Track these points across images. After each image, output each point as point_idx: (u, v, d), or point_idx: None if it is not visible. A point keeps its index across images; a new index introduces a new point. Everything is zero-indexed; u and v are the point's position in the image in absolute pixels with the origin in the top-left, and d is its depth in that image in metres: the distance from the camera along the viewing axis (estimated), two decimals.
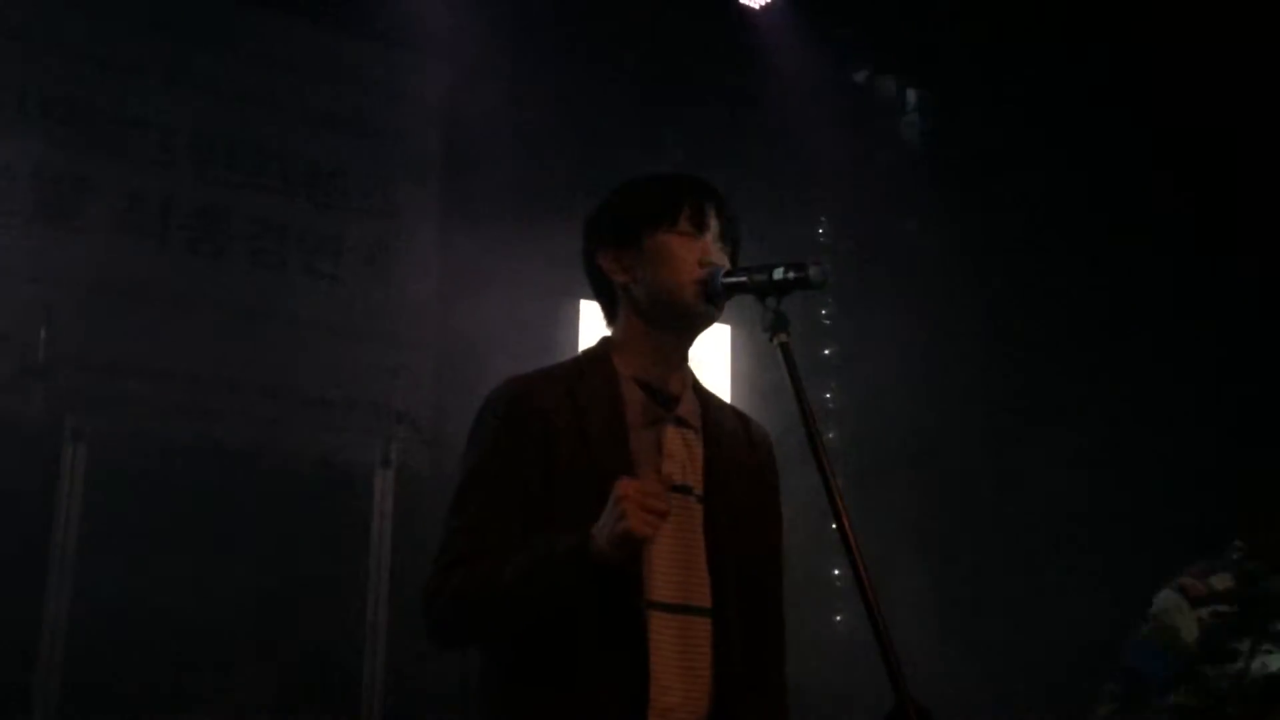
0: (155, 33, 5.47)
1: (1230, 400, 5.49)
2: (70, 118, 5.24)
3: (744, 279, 1.99)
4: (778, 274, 1.94)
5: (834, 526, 1.79)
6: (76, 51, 5.28)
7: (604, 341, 2.18)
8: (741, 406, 2.29)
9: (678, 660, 1.96)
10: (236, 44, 5.61)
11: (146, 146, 5.37)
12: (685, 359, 2.15)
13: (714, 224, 2.10)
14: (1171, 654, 3.21)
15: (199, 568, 4.95)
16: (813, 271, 1.93)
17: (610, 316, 2.19)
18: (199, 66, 5.53)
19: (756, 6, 6.61)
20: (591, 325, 2.30)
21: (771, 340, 1.91)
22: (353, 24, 5.92)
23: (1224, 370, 5.52)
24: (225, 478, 5.21)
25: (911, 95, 7.39)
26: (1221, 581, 3.23)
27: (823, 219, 7.34)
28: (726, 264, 2.09)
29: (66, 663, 4.57)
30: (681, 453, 2.07)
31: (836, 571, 6.47)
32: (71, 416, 4.79)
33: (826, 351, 7.18)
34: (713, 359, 6.09)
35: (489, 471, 2.02)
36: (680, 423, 2.09)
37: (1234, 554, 3.30)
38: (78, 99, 5.25)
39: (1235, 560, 3.28)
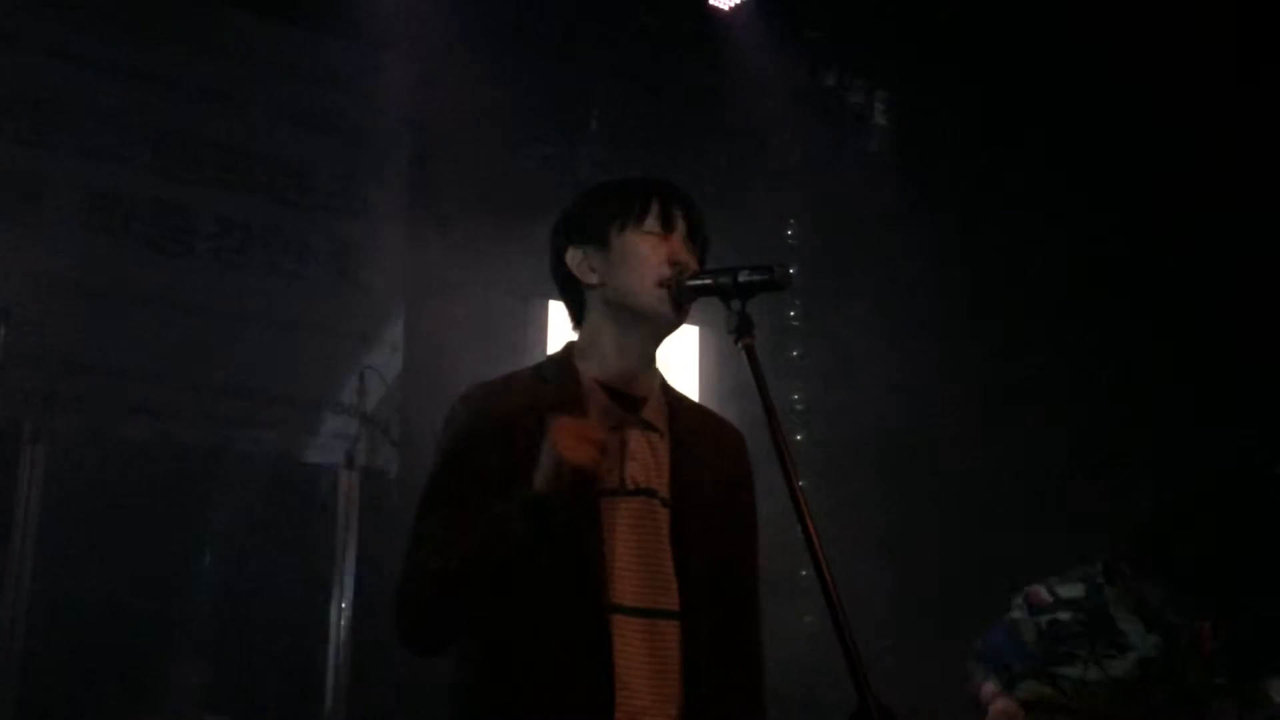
0: (117, 29, 5.40)
1: (1207, 397, 5.53)
2: (29, 114, 5.17)
3: (709, 281, 2.00)
4: (743, 276, 1.95)
5: (799, 527, 1.79)
6: (36, 47, 5.21)
7: (567, 346, 2.18)
8: (709, 407, 2.29)
9: (645, 663, 1.96)
10: (200, 40, 5.55)
11: (107, 143, 5.30)
12: (652, 361, 2.15)
13: (681, 224, 2.11)
14: (1016, 648, 3.54)
15: (160, 568, 4.91)
16: (777, 273, 1.95)
17: (577, 320, 2.19)
18: (161, 63, 5.47)
19: (726, 8, 6.61)
20: (560, 326, 2.30)
21: (737, 343, 1.91)
22: (318, 21, 5.88)
23: (1198, 366, 5.56)
24: (187, 478, 5.17)
25: (880, 98, 7.41)
26: (1071, 591, 3.44)
27: (791, 221, 7.35)
28: (695, 264, 2.09)
29: (24, 664, 4.52)
30: (646, 455, 2.07)
31: (804, 572, 6.47)
32: (30, 417, 4.74)
33: (794, 353, 7.19)
34: (681, 360, 6.09)
35: (453, 479, 2.02)
36: (645, 426, 2.09)
37: (1096, 566, 3.60)
38: (37, 95, 5.18)
39: (1093, 573, 3.57)
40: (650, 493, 2.04)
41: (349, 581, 5.05)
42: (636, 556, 2.00)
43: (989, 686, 3.61)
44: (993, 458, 6.37)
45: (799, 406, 7.08)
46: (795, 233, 7.34)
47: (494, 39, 5.99)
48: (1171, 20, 5.41)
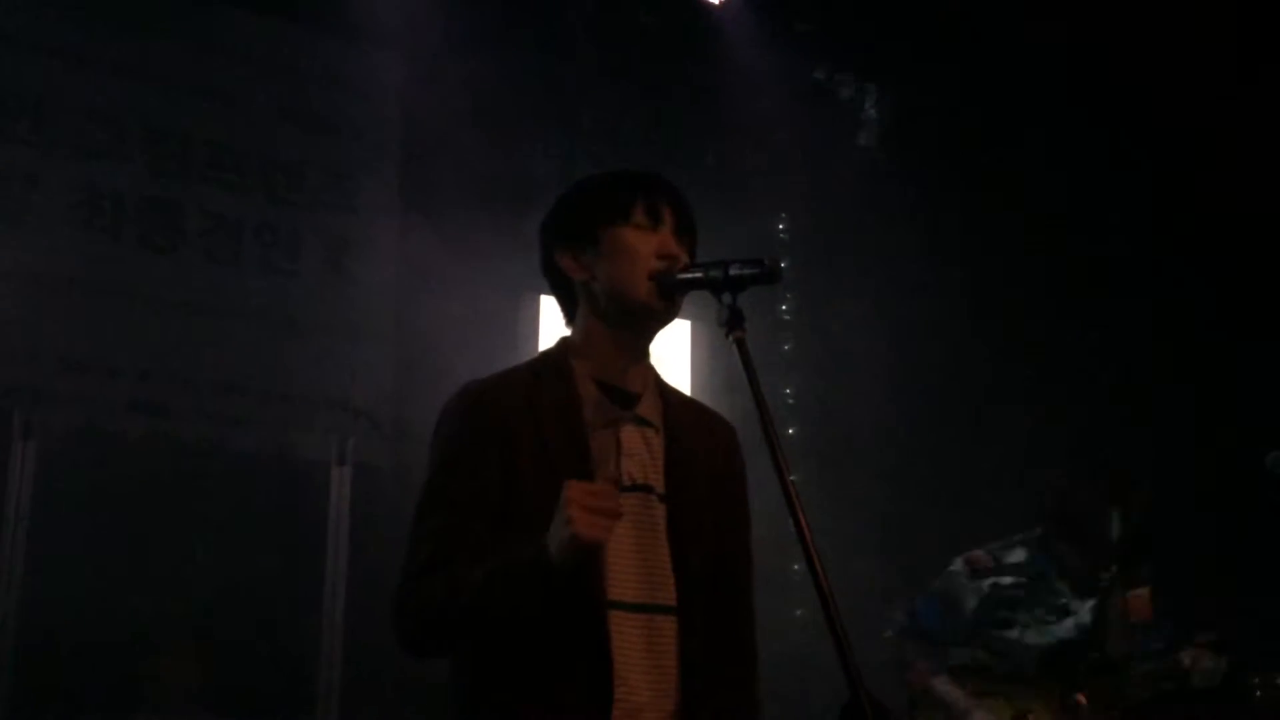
0: (109, 26, 5.39)
1: (1207, 397, 5.54)
2: (21, 111, 5.16)
3: (699, 275, 2.00)
4: (734, 269, 1.95)
5: (791, 522, 1.79)
6: (27, 44, 5.20)
7: (561, 342, 2.17)
8: (702, 402, 2.30)
9: (643, 659, 1.96)
10: (192, 38, 5.54)
11: (99, 140, 5.29)
12: (645, 356, 2.15)
13: (670, 217, 2.10)
14: (951, 615, 3.54)
15: (152, 565, 4.90)
16: (768, 266, 1.95)
17: (569, 316, 2.19)
18: (153, 60, 5.45)
19: (717, 3, 6.61)
20: (552, 321, 2.30)
21: (728, 336, 1.91)
22: (312, 19, 5.87)
23: (1198, 365, 5.56)
24: (179, 474, 5.16)
25: (872, 92, 7.42)
26: (1015, 555, 3.48)
27: (783, 215, 7.35)
28: (685, 256, 2.09)
29: (16, 661, 4.51)
30: (642, 451, 2.07)
31: (796, 566, 6.48)
32: (21, 412, 4.73)
33: (786, 347, 7.20)
34: (672, 354, 6.09)
35: (450, 480, 2.01)
36: (640, 421, 2.09)
37: (1036, 531, 3.63)
38: (29, 92, 5.17)
39: (1035, 537, 3.60)
40: (647, 489, 2.04)
41: (342, 577, 5.05)
42: (634, 552, 2.00)
43: (922, 666, 3.60)
44: (986, 452, 6.38)
45: (790, 400, 7.09)
46: (787, 227, 7.34)
47: (486, 36, 5.99)
48: (1169, 12, 5.42)
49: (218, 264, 5.50)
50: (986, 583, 3.51)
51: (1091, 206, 5.96)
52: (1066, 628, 3.49)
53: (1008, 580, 3.51)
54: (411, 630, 1.99)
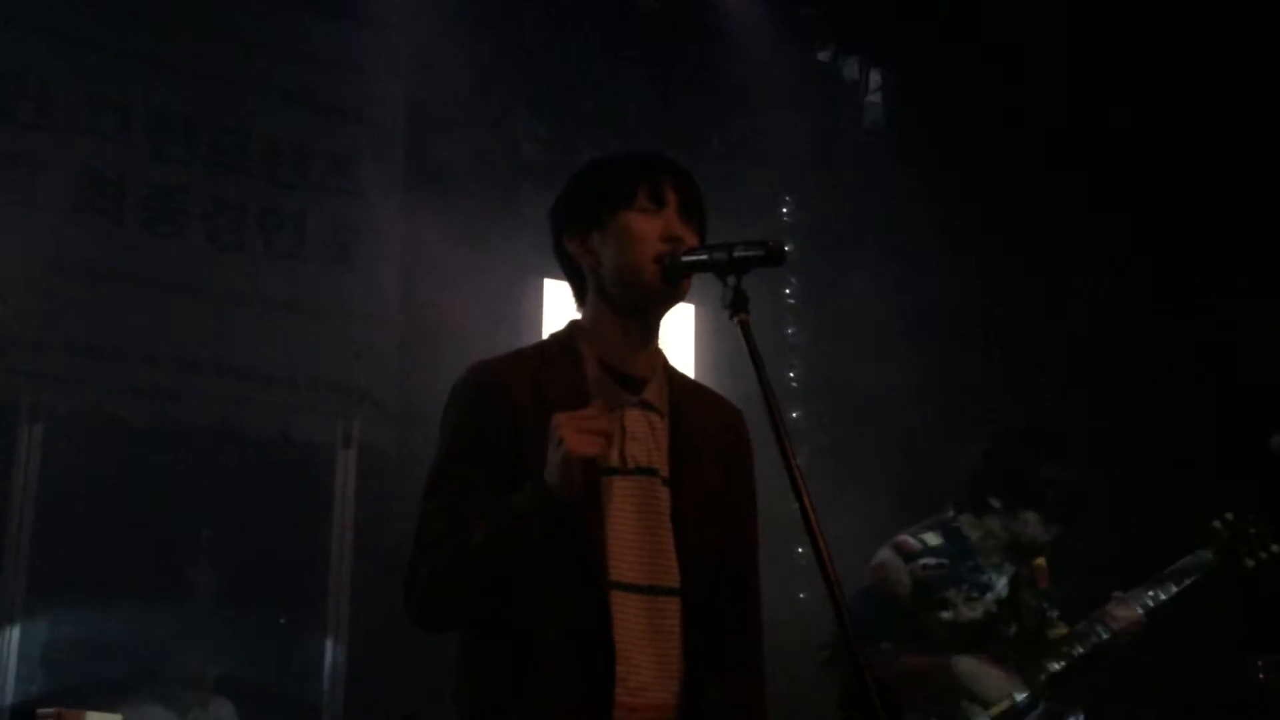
0: (111, 9, 5.37)
1: (1219, 374, 5.52)
2: (24, 95, 5.15)
3: (704, 257, 2.01)
4: (738, 251, 1.96)
5: (796, 505, 1.80)
6: (30, 27, 5.19)
7: (570, 325, 2.20)
8: (709, 386, 2.31)
9: (646, 638, 1.98)
10: (194, 20, 5.51)
11: (102, 124, 5.27)
12: (653, 340, 2.17)
13: (674, 197, 2.11)
14: (888, 603, 3.52)
15: (158, 549, 4.92)
16: (772, 249, 1.96)
17: (580, 300, 2.21)
18: (156, 44, 5.43)
19: None
20: (557, 304, 2.32)
21: (732, 318, 1.92)
22: (314, 0, 5.86)
23: (1210, 344, 5.54)
24: (184, 458, 5.17)
25: (875, 75, 7.39)
26: (933, 538, 3.51)
27: (787, 198, 7.33)
28: (692, 236, 2.10)
29: (22, 642, 4.54)
30: (646, 435, 2.08)
31: (800, 550, 6.48)
32: (28, 396, 4.74)
33: (790, 330, 7.19)
34: (676, 338, 6.09)
35: (459, 456, 2.04)
36: (645, 406, 2.10)
37: (948, 513, 3.66)
38: (30, 75, 5.16)
39: (947, 519, 3.64)
40: (650, 471, 2.06)
41: (347, 559, 5.07)
42: (637, 534, 2.02)
43: (876, 663, 3.54)
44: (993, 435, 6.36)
45: (795, 384, 7.08)
46: (791, 209, 7.32)
47: (489, 19, 5.97)
48: None
49: (222, 248, 5.49)
50: (918, 564, 3.52)
51: (1100, 185, 5.94)
52: (989, 602, 3.51)
53: (933, 561, 3.53)
54: (424, 598, 2.00)
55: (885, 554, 3.60)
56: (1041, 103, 6.09)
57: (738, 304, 1.92)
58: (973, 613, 3.49)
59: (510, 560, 1.93)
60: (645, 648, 1.98)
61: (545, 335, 2.27)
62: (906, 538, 3.61)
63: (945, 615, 3.49)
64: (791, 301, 7.23)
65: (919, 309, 6.39)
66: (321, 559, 5.20)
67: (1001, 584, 3.54)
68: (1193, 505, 3.90)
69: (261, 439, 5.40)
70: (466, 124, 5.79)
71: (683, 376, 2.24)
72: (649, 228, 2.08)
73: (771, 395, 1.85)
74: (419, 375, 5.44)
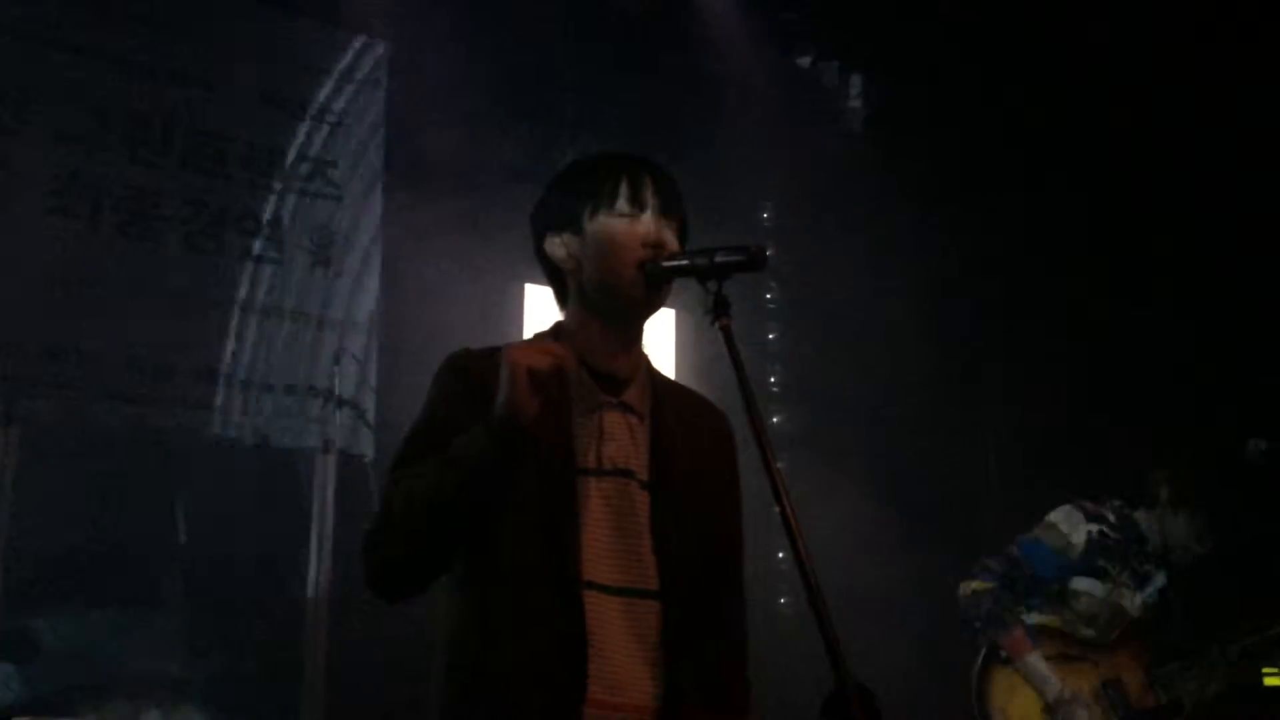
0: (88, 12, 5.34)
1: (1205, 363, 5.54)
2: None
3: (685, 262, 2.02)
4: (719, 257, 1.97)
5: (777, 510, 1.79)
6: (6, 30, 5.15)
7: (555, 325, 2.19)
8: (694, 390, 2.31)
9: (622, 639, 1.98)
10: (172, 24, 5.49)
11: (79, 127, 5.24)
12: (636, 343, 2.17)
13: (653, 200, 2.10)
14: (1058, 557, 3.65)
15: (135, 554, 4.89)
16: (753, 254, 1.96)
17: (562, 302, 2.20)
18: (133, 46, 5.40)
19: None
20: (538, 310, 2.32)
21: (714, 324, 1.92)
22: (293, 4, 5.84)
23: (1195, 337, 5.56)
24: (162, 463, 5.15)
25: (855, 80, 7.41)
26: (1109, 514, 3.75)
27: (767, 203, 7.35)
28: (673, 237, 2.09)
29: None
30: (624, 437, 2.08)
31: (781, 555, 6.50)
32: (3, 400, 4.70)
33: (771, 335, 7.20)
34: (657, 343, 6.10)
35: (430, 432, 2.03)
36: (625, 408, 2.10)
37: (1115, 502, 3.78)
38: (6, 78, 5.12)
39: (1117, 505, 3.76)
40: (628, 474, 2.06)
41: (326, 566, 5.05)
42: (613, 535, 2.01)
43: (1019, 634, 3.65)
44: (971, 441, 6.40)
45: (775, 389, 7.10)
46: (771, 214, 7.34)
47: (469, 24, 5.96)
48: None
49: (199, 252, 5.46)
50: (1095, 527, 3.62)
51: (1082, 188, 5.96)
52: (1148, 594, 3.60)
53: (1110, 532, 3.63)
54: (380, 556, 1.99)
55: (1066, 509, 3.71)
56: (1022, 106, 6.12)
57: (719, 309, 1.92)
58: (1125, 601, 3.61)
59: (462, 489, 1.90)
60: (622, 647, 1.97)
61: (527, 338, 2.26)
62: (1087, 501, 3.71)
63: (1098, 588, 3.58)
64: (773, 306, 7.25)
65: (900, 313, 6.40)
66: (301, 565, 5.18)
67: (1161, 578, 3.64)
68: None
69: (240, 444, 5.37)
70: (446, 129, 5.78)
71: (666, 380, 2.23)
72: (629, 232, 2.07)
73: (752, 400, 1.85)
74: (399, 381, 5.42)
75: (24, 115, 5.14)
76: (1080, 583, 3.65)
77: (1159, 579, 3.66)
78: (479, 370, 2.05)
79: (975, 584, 3.73)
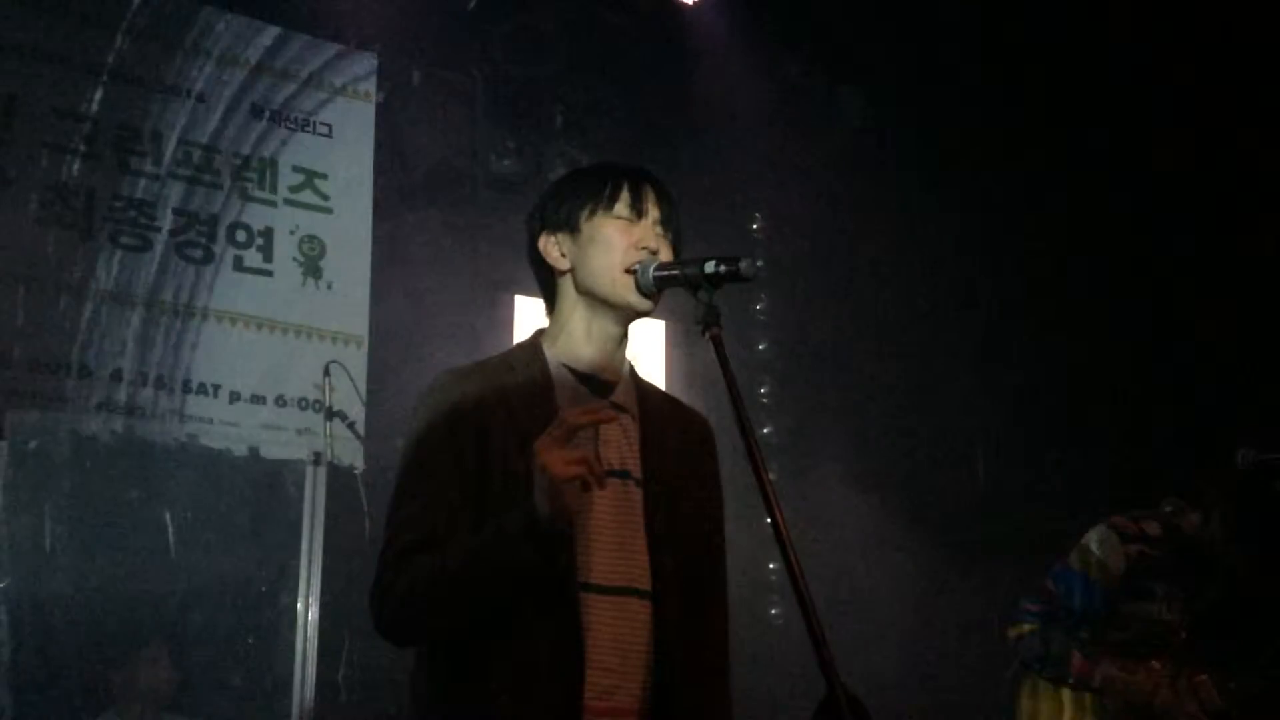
0: (79, 23, 5.35)
1: (1201, 371, 5.53)
2: None
3: (676, 272, 2.04)
4: (709, 267, 1.98)
5: (768, 520, 1.80)
6: None
7: (536, 334, 2.21)
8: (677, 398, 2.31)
9: (614, 640, 1.99)
10: (162, 35, 5.51)
11: (70, 138, 5.24)
12: (621, 345, 2.18)
13: (653, 210, 2.13)
14: (1097, 584, 3.41)
15: (124, 566, 4.87)
16: (744, 265, 1.98)
17: (550, 305, 2.22)
18: (125, 58, 5.41)
19: (689, 2, 6.61)
20: (527, 321, 2.32)
21: (704, 334, 1.93)
22: (283, 16, 5.85)
23: (1189, 348, 5.56)
24: (151, 475, 5.13)
25: (845, 91, 7.43)
26: (1151, 529, 3.41)
27: (757, 215, 7.36)
28: (667, 250, 2.11)
29: None
30: (619, 437, 2.10)
31: (772, 565, 6.49)
32: None
33: (761, 346, 7.21)
34: (648, 352, 6.10)
35: (427, 465, 2.03)
36: (616, 408, 2.10)
37: (1166, 507, 3.52)
38: None
39: (1167, 513, 3.50)
40: (624, 474, 2.07)
41: (316, 578, 5.03)
42: (610, 536, 2.02)
43: (1079, 659, 3.43)
44: (964, 452, 6.40)
45: (766, 400, 7.10)
46: (761, 225, 7.35)
47: (458, 35, 5.98)
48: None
49: (190, 263, 5.47)
50: (1135, 548, 3.41)
51: (1074, 196, 5.96)
52: (1202, 602, 3.39)
53: (1150, 549, 3.41)
54: (396, 612, 1.98)
55: (1101, 530, 3.48)
56: (1015, 119, 6.13)
57: (709, 319, 1.93)
58: (1176, 614, 3.39)
59: (494, 582, 1.91)
60: (614, 651, 1.98)
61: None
62: (1124, 520, 3.48)
63: (1150, 608, 3.38)
64: (762, 318, 7.25)
65: (890, 324, 6.42)
66: (291, 576, 5.16)
67: (1214, 589, 3.42)
68: None
69: (230, 456, 5.36)
70: (436, 139, 5.79)
71: (649, 384, 2.25)
72: (624, 236, 2.10)
73: (743, 410, 1.86)
74: (389, 393, 5.42)
75: (13, 125, 5.14)
76: (1128, 606, 3.44)
77: (1212, 589, 3.43)
78: (465, 390, 2.06)
79: (1019, 627, 3.52)
